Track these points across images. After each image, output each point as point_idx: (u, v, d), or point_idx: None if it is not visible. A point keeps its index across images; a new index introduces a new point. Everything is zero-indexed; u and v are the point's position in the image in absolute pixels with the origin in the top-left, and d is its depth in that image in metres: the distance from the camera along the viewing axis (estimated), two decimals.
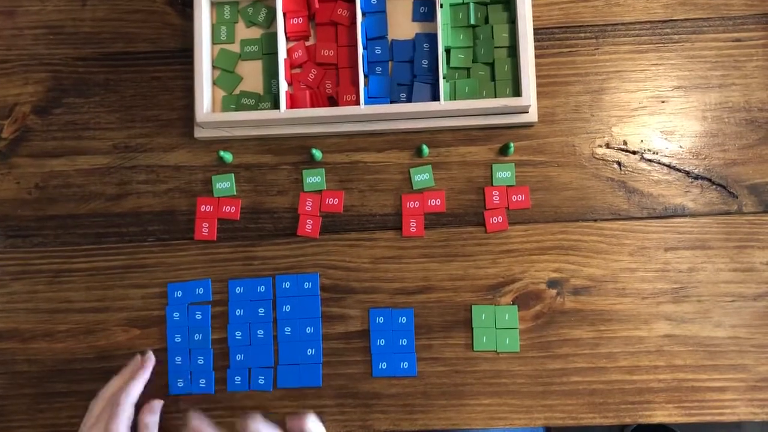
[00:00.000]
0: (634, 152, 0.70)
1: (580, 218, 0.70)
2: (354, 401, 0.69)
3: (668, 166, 0.70)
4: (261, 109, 0.71)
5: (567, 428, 1.34)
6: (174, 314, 0.70)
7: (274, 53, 0.71)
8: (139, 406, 0.66)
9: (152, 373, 0.69)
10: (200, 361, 0.70)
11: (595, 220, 0.69)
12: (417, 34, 0.72)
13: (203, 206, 0.72)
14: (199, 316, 0.70)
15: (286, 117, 0.68)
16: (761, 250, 0.68)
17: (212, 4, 0.74)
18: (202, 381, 0.69)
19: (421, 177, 0.71)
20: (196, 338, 0.70)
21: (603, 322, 0.68)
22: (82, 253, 0.72)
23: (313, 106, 0.71)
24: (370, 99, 0.70)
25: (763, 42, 0.70)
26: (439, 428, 0.68)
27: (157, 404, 0.67)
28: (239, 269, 0.71)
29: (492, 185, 0.70)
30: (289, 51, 0.72)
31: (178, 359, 0.70)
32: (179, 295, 0.71)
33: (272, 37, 0.72)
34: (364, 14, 0.71)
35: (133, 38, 0.75)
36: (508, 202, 0.70)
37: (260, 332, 0.70)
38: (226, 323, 0.70)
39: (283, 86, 0.70)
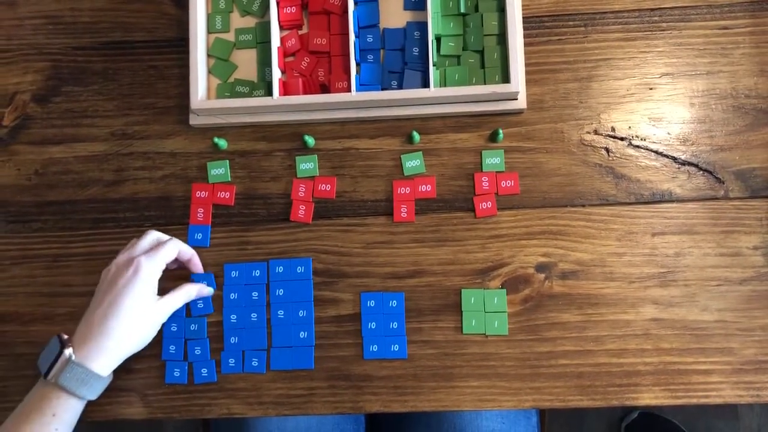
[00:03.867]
0: (622, 138, 0.71)
1: (569, 204, 0.71)
2: (345, 383, 0.70)
3: (656, 152, 0.71)
4: (255, 97, 0.73)
5: (571, 422, 1.35)
6: None
7: (268, 42, 0.73)
8: None
9: (149, 361, 0.71)
10: (197, 351, 0.71)
11: (584, 206, 0.70)
12: (408, 23, 0.73)
13: (198, 192, 0.73)
14: (201, 305, 0.71)
15: (279, 104, 0.70)
16: (747, 235, 0.69)
17: None
18: (204, 370, 0.71)
19: (412, 163, 0.72)
20: (192, 328, 0.71)
21: (591, 305, 0.69)
22: (81, 238, 0.74)
23: (305, 93, 0.72)
24: (362, 86, 0.72)
25: (750, 29, 0.71)
26: (428, 410, 0.69)
27: (208, 291, 0.71)
28: (234, 254, 0.72)
29: (482, 171, 0.71)
30: (282, 39, 0.73)
31: (172, 348, 0.71)
32: None
33: (266, 26, 0.74)
34: (356, 3, 0.73)
35: (131, 28, 0.76)
36: (497, 187, 0.71)
37: (254, 315, 0.71)
38: (220, 307, 0.71)
39: (277, 74, 0.71)
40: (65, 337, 0.63)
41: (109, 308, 0.63)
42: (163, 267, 0.66)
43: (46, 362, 0.62)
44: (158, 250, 0.66)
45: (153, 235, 0.68)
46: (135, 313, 0.63)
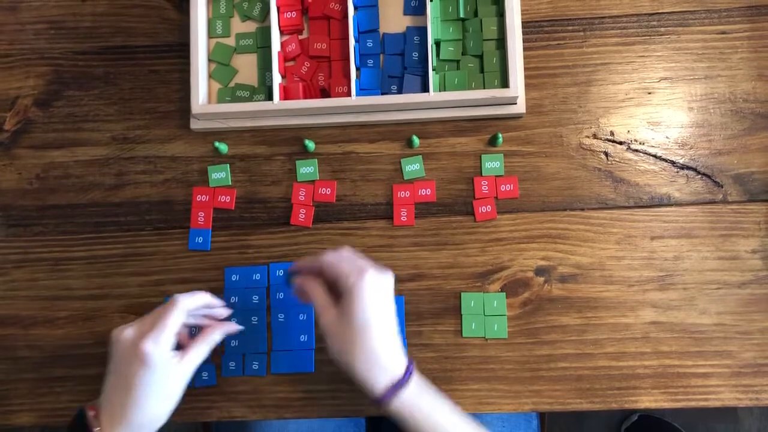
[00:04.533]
0: (620, 143, 0.71)
1: (568, 207, 0.71)
2: (346, 386, 0.70)
3: (654, 156, 0.71)
4: (255, 101, 0.73)
5: (571, 425, 1.35)
6: None
7: (269, 46, 0.73)
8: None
9: None
10: None
11: (583, 209, 0.71)
12: (408, 28, 0.73)
13: (199, 196, 0.73)
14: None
15: (280, 108, 0.70)
16: (745, 239, 0.69)
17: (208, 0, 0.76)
18: (204, 374, 0.71)
19: (412, 167, 0.72)
20: (192, 332, 0.71)
21: (590, 309, 0.69)
22: (82, 242, 0.74)
23: (306, 97, 0.72)
24: (362, 91, 0.72)
25: (748, 34, 0.72)
26: None
27: (235, 328, 0.65)
28: (234, 257, 0.72)
29: (481, 175, 0.72)
30: (282, 44, 0.74)
31: None
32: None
33: (266, 31, 0.74)
34: (356, 8, 0.73)
35: (132, 33, 0.77)
36: (496, 191, 0.71)
37: (254, 319, 0.71)
38: None
39: (277, 78, 0.71)
40: (92, 413, 0.59)
41: (126, 399, 0.58)
42: (173, 338, 0.60)
43: None
44: (162, 328, 0.59)
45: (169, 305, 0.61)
46: (155, 398, 0.59)
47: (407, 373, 0.59)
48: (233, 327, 0.66)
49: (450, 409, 0.60)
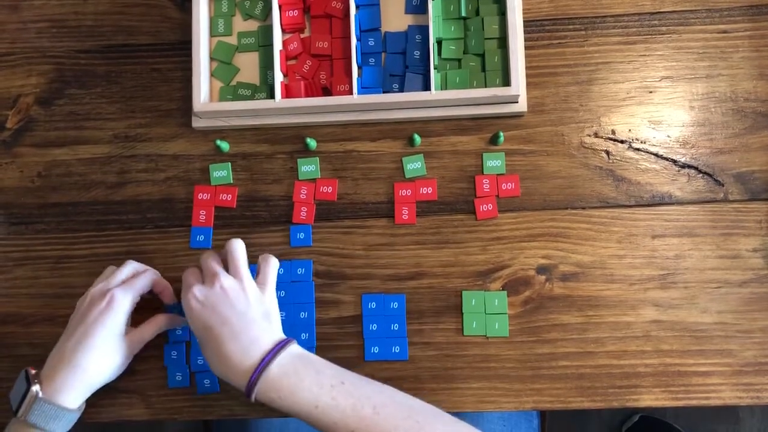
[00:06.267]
0: (622, 141, 0.71)
1: (569, 206, 0.71)
2: None
3: (656, 154, 0.71)
4: (257, 99, 0.73)
5: (572, 426, 1.35)
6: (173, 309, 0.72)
7: (270, 45, 0.73)
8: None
9: (151, 363, 0.72)
10: (200, 362, 0.71)
11: (584, 208, 0.71)
12: (409, 26, 0.73)
13: (200, 194, 0.73)
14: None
15: (282, 106, 0.70)
16: (746, 238, 0.69)
17: None
18: (206, 381, 0.71)
19: (414, 166, 0.72)
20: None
21: (591, 307, 0.69)
22: (83, 240, 0.74)
23: (307, 96, 0.72)
24: (363, 89, 0.72)
25: (749, 33, 0.72)
26: None
27: (180, 322, 0.70)
28: None
29: (482, 174, 0.72)
30: (284, 43, 0.74)
31: (174, 354, 0.71)
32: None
33: (268, 30, 0.74)
34: (357, 7, 0.73)
35: (134, 31, 0.77)
36: (498, 190, 0.71)
37: None
38: None
39: (279, 77, 0.72)
40: (33, 372, 0.63)
41: (79, 342, 0.63)
42: (138, 299, 0.66)
43: (15, 399, 0.62)
44: (134, 283, 0.66)
45: (131, 266, 0.68)
46: (105, 346, 0.63)
47: (257, 369, 0.59)
48: (179, 320, 0.70)
49: (317, 389, 0.59)
